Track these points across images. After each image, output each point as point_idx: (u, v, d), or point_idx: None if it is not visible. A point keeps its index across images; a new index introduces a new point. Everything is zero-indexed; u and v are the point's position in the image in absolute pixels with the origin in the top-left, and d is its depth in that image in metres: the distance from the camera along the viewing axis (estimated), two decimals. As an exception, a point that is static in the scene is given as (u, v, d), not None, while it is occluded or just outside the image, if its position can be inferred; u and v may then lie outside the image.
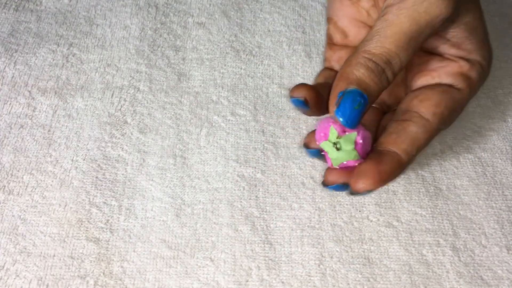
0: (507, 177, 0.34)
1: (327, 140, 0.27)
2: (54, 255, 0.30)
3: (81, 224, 0.32)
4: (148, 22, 0.41)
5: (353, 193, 0.28)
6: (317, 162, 0.35)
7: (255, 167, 0.34)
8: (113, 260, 0.30)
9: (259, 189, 0.34)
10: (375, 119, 0.32)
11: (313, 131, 0.29)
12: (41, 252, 0.31)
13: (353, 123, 0.26)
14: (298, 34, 0.42)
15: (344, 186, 0.28)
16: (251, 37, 0.41)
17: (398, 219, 0.32)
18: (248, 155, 0.35)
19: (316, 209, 0.33)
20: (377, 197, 0.33)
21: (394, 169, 0.27)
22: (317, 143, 0.28)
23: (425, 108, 0.29)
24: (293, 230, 0.32)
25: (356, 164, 0.27)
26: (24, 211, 0.32)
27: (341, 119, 0.26)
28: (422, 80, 0.31)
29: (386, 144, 0.28)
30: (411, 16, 0.27)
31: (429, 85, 0.30)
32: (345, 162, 0.27)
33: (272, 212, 0.33)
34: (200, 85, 0.38)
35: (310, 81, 0.39)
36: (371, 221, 0.32)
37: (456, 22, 0.29)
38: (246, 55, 0.40)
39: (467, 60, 0.30)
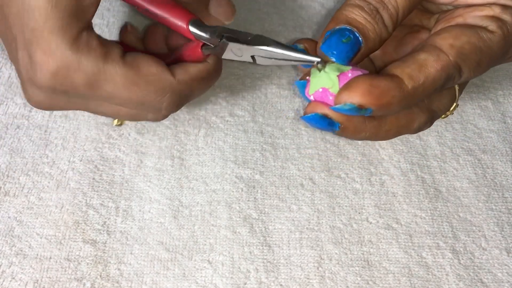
0: (507, 179, 0.34)
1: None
2: (50, 257, 0.30)
3: (78, 226, 0.31)
4: (147, 21, 0.41)
5: (335, 125, 0.25)
6: (316, 163, 0.34)
7: (254, 169, 0.34)
8: (110, 262, 0.30)
9: (257, 191, 0.33)
10: None
11: None
12: (37, 254, 0.30)
13: (340, 56, 0.25)
14: (297, 34, 0.41)
15: (322, 119, 0.26)
16: (249, 37, 0.41)
17: (397, 221, 0.32)
18: (246, 156, 0.35)
19: (315, 211, 0.33)
20: (376, 199, 0.33)
21: (390, 89, 0.24)
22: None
23: (441, 39, 0.26)
24: (292, 232, 0.32)
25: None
26: (20, 212, 0.32)
27: (327, 52, 0.25)
28: (445, 25, 0.28)
29: (389, 70, 0.26)
30: None
31: (453, 24, 0.27)
32: (320, 90, 0.26)
33: (270, 214, 0.32)
34: (198, 86, 0.38)
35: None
36: (371, 223, 0.32)
37: None
38: (245, 55, 0.40)
39: (497, 4, 0.27)
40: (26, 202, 0.32)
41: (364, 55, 0.26)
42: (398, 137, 0.35)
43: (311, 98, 0.27)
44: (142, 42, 0.34)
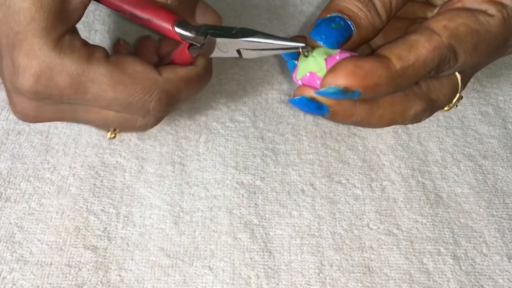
0: (508, 185, 0.34)
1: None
2: (51, 263, 0.30)
3: (79, 232, 0.31)
4: (144, 31, 0.41)
5: (324, 108, 0.25)
6: (317, 169, 0.34)
7: (254, 174, 0.34)
8: (110, 268, 0.30)
9: (258, 197, 0.33)
10: None
11: None
12: (38, 260, 0.30)
13: (329, 40, 0.24)
14: (298, 39, 0.41)
15: (310, 102, 0.25)
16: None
17: (398, 227, 0.32)
18: (247, 162, 0.35)
19: (315, 217, 0.33)
20: (377, 204, 0.33)
21: (376, 69, 0.24)
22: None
23: (435, 22, 0.25)
24: (293, 238, 0.32)
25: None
26: (21, 218, 0.32)
27: (315, 36, 0.24)
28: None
29: (379, 51, 0.25)
30: None
31: (450, 8, 0.27)
32: (307, 75, 0.25)
33: (271, 220, 0.32)
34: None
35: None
36: (371, 229, 0.32)
37: None
38: (245, 61, 0.40)
39: None
40: (27, 208, 0.32)
41: (356, 43, 0.26)
42: (399, 143, 0.35)
43: (299, 82, 0.26)
44: (134, 54, 0.34)
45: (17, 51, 0.25)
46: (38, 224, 0.32)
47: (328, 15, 0.26)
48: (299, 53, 0.26)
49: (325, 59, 0.25)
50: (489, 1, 0.26)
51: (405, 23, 0.32)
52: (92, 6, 0.43)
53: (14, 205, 0.32)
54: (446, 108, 0.30)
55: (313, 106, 0.26)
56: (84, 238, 0.31)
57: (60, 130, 0.36)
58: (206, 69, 0.30)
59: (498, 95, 0.39)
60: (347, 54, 0.25)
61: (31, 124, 0.36)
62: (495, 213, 0.33)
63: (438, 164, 0.35)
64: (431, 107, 0.28)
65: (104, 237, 0.31)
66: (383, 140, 0.36)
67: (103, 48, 0.28)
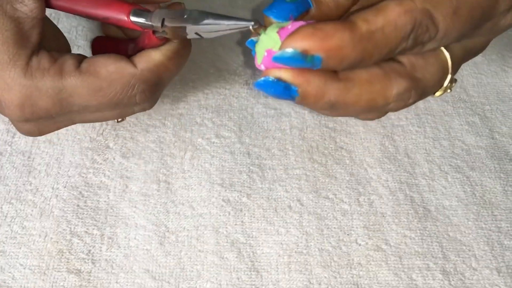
0: (496, 196, 0.34)
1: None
2: (34, 289, 0.29)
3: (62, 255, 0.31)
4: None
5: (293, 89, 0.23)
6: (304, 184, 0.34)
7: (241, 191, 0.34)
8: (95, 292, 0.30)
9: (244, 214, 0.33)
10: None
11: None
12: (21, 286, 0.30)
13: (280, 14, 0.23)
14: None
15: (276, 84, 0.23)
16: (235, 56, 0.41)
17: (387, 242, 0.32)
18: (233, 179, 0.34)
19: (303, 234, 0.32)
20: (365, 219, 0.33)
21: (338, 30, 0.21)
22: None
23: None
24: (280, 256, 0.31)
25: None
26: (3, 242, 0.31)
27: (267, 12, 0.23)
28: None
29: (345, 17, 0.23)
30: None
31: None
32: (265, 54, 0.23)
33: (258, 238, 0.32)
34: (184, 107, 0.38)
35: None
36: (360, 244, 0.32)
37: None
38: (230, 74, 0.40)
39: None
40: (9, 232, 0.32)
41: (318, 19, 0.24)
42: (386, 155, 0.35)
43: (262, 67, 0.24)
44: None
45: None
46: (20, 248, 0.31)
47: None
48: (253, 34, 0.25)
49: (278, 32, 0.23)
50: None
51: None
52: (74, 22, 0.43)
53: (-5, 229, 0.32)
54: (438, 92, 0.28)
55: (280, 88, 0.24)
56: (67, 262, 0.31)
57: (43, 150, 0.35)
58: (182, 43, 0.29)
59: (484, 105, 0.38)
60: (301, 23, 0.23)
61: (12, 144, 0.35)
62: (483, 225, 0.33)
63: (426, 177, 0.35)
64: (417, 86, 0.26)
65: (88, 260, 0.31)
66: (370, 152, 0.36)
67: (72, 57, 0.27)
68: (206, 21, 0.26)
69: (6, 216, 0.32)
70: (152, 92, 0.28)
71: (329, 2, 0.24)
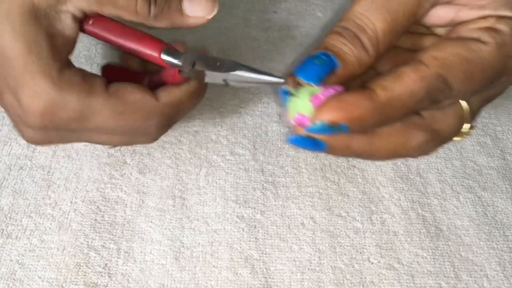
0: (507, 217, 0.34)
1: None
2: (51, 301, 0.30)
3: (79, 268, 0.31)
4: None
5: (321, 144, 0.26)
6: (317, 202, 0.35)
7: (255, 208, 0.34)
8: (111, 306, 0.30)
9: (258, 230, 0.33)
10: None
11: None
12: (39, 298, 0.30)
13: (310, 75, 0.25)
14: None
15: (306, 140, 0.26)
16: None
17: (399, 261, 0.32)
18: (247, 196, 0.35)
19: (316, 251, 0.33)
20: (377, 238, 0.33)
21: (360, 101, 0.24)
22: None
23: (425, 53, 0.25)
24: (293, 273, 0.32)
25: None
26: (22, 255, 0.32)
27: (297, 73, 0.25)
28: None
29: (366, 84, 0.25)
30: None
31: (443, 39, 0.27)
32: (298, 116, 0.26)
33: (272, 254, 0.32)
34: (199, 124, 0.39)
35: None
36: (372, 263, 0.32)
37: None
38: (245, 93, 0.40)
39: (492, 16, 0.26)
40: (28, 245, 0.32)
41: (344, 78, 0.26)
42: (398, 175, 0.35)
43: (292, 122, 0.27)
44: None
45: (20, 92, 0.27)
46: (39, 261, 0.32)
47: (313, 53, 0.26)
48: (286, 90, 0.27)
49: (310, 100, 0.25)
50: (483, 28, 0.26)
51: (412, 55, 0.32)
52: (94, 40, 0.44)
53: (15, 242, 0.32)
54: (456, 138, 0.29)
55: (310, 143, 0.26)
56: (84, 275, 0.31)
57: (62, 164, 0.36)
58: (200, 88, 0.31)
59: (496, 126, 0.39)
60: (330, 90, 0.25)
61: (33, 159, 0.36)
62: (495, 245, 0.33)
63: (438, 196, 0.35)
64: (436, 138, 0.28)
65: (104, 273, 0.31)
66: (382, 172, 0.36)
67: (102, 78, 0.29)
68: (237, 72, 0.28)
69: (25, 229, 0.33)
70: (165, 125, 0.30)
71: (353, 62, 0.26)
